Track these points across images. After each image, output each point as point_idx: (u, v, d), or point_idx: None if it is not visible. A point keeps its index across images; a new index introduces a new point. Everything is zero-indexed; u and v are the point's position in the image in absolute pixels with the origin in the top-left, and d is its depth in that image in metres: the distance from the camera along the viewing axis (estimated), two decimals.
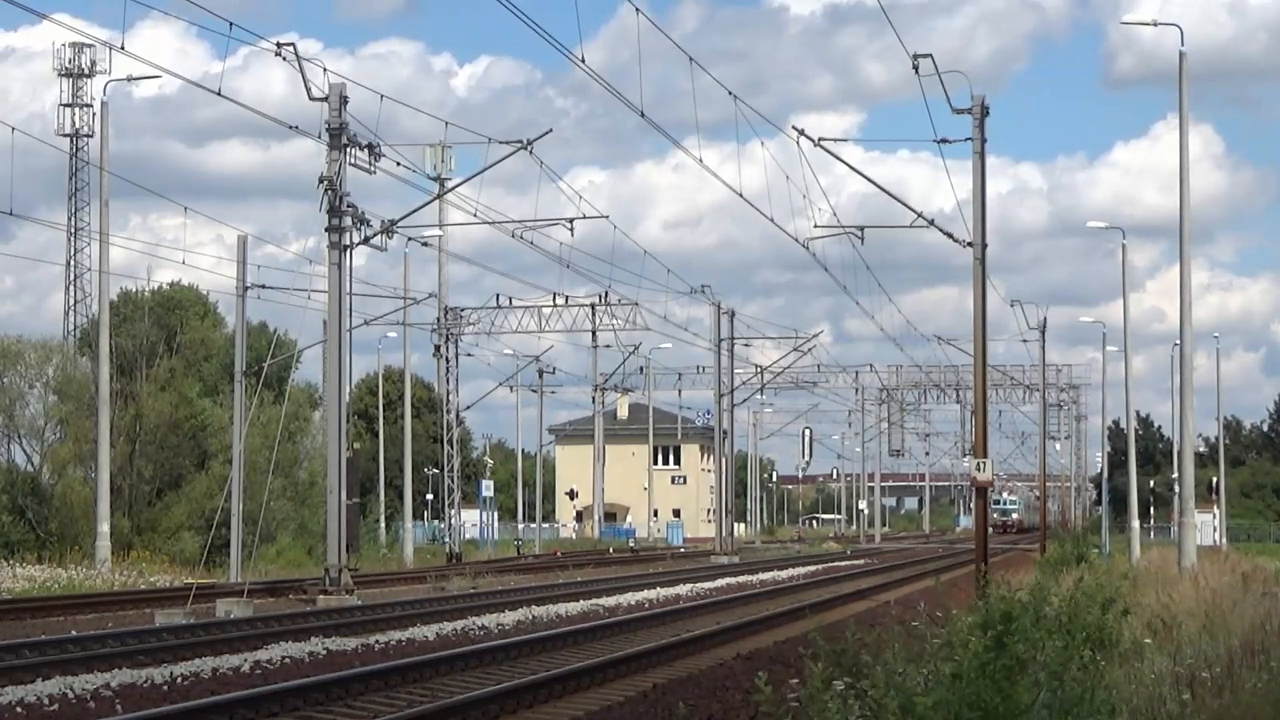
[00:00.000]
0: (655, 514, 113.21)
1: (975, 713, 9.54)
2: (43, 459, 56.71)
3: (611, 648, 24.32)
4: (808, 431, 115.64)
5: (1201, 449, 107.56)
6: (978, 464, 33.29)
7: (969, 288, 34.17)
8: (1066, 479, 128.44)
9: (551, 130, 41.06)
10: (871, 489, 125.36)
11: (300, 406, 65.23)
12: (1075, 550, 47.94)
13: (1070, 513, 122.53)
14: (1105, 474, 79.76)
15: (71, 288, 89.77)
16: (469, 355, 70.86)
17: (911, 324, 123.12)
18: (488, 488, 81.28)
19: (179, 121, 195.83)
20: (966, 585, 33.72)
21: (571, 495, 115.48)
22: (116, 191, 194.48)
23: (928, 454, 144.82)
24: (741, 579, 48.67)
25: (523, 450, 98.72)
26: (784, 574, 53.00)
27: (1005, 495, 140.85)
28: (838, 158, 35.32)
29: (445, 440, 68.96)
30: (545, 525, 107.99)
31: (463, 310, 69.06)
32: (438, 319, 67.76)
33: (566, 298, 67.77)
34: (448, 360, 68.24)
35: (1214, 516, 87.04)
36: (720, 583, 46.25)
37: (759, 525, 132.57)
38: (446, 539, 70.61)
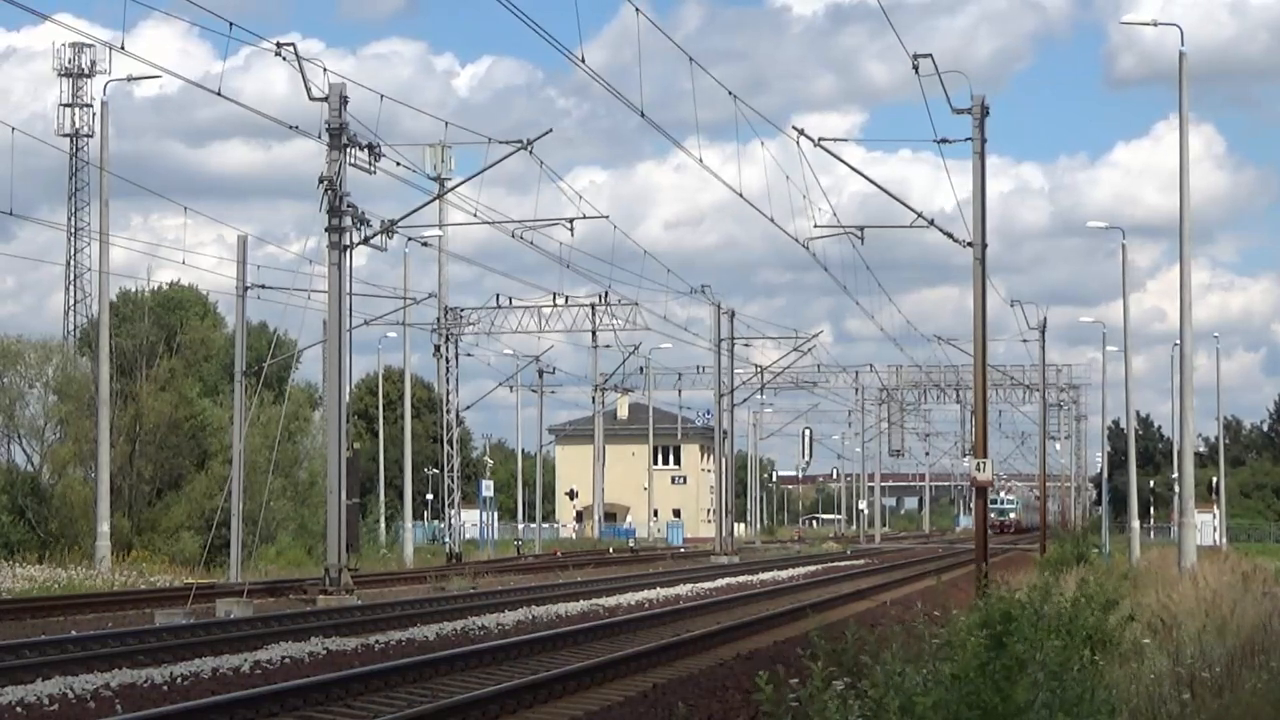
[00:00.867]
0: (655, 514, 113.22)
1: (974, 713, 9.55)
2: (43, 459, 56.72)
3: (611, 648, 24.32)
4: (808, 431, 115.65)
5: (1201, 449, 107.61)
6: (978, 464, 33.29)
7: (969, 288, 34.21)
8: (1066, 479, 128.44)
9: (551, 130, 41.08)
10: (871, 489, 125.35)
11: (300, 406, 65.25)
12: (1075, 550, 47.94)
13: (1070, 513, 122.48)
14: (1105, 474, 79.78)
15: (71, 288, 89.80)
16: (469, 355, 70.96)
17: (911, 324, 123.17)
18: (488, 488, 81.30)
19: (180, 121, 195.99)
20: (966, 585, 33.73)
21: (571, 495, 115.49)
22: (117, 191, 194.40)
23: (928, 454, 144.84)
24: (741, 579, 48.67)
25: (523, 450, 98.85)
26: (784, 574, 53.00)
27: (1002, 495, 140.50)
28: (837, 158, 35.35)
29: (445, 440, 68.96)
30: (545, 525, 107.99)
31: (463, 310, 69.08)
32: (438, 319, 67.77)
33: (566, 298, 67.84)
34: (448, 360, 68.25)
35: (1214, 516, 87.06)
36: (720, 583, 46.25)
37: (759, 525, 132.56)
38: (446, 539, 70.62)
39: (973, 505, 36.55)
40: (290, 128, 37.64)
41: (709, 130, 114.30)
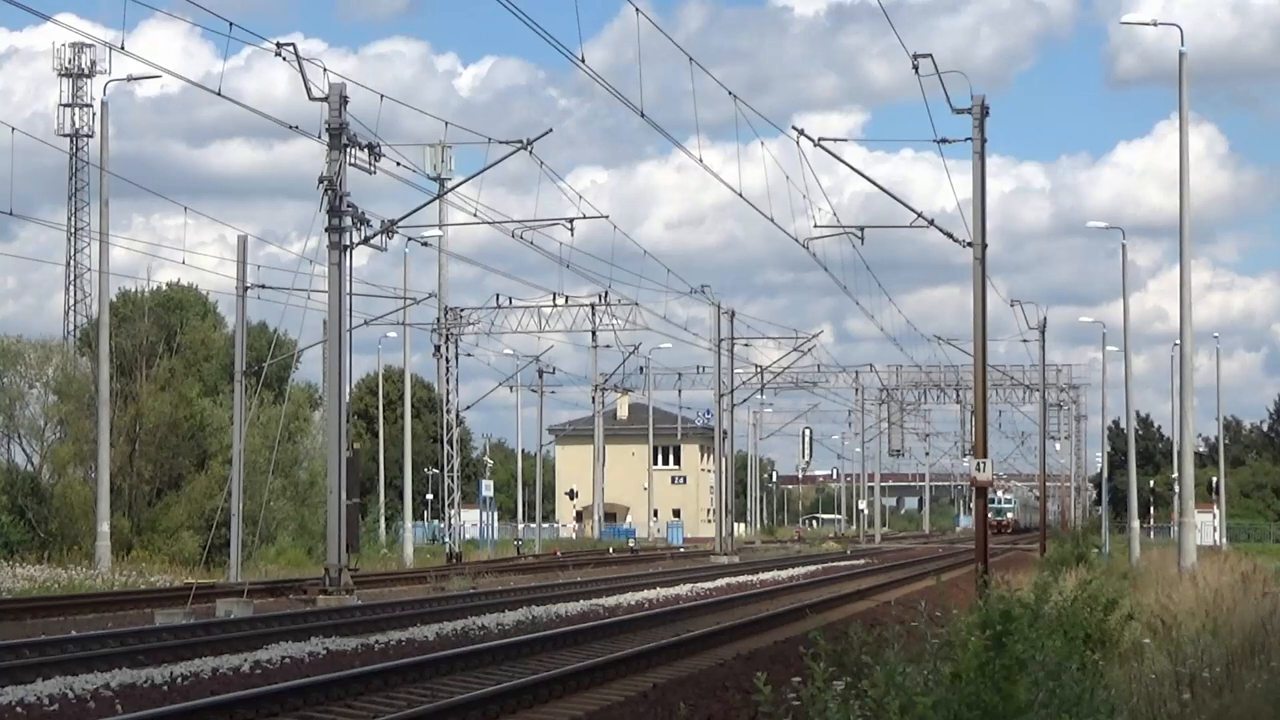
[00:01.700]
0: (655, 514, 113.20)
1: (975, 713, 9.55)
2: (43, 459, 56.69)
3: (611, 648, 24.31)
4: (808, 431, 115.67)
5: (1201, 449, 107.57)
6: (978, 464, 33.29)
7: (970, 287, 34.20)
8: (1066, 479, 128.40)
9: (551, 130, 41.12)
10: (871, 489, 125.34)
11: (300, 406, 65.23)
12: (1075, 550, 47.95)
13: (1070, 512, 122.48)
14: (1105, 474, 79.77)
15: (71, 288, 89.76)
16: (469, 355, 70.93)
17: (912, 324, 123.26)
18: (488, 488, 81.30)
19: (182, 121, 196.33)
20: (967, 585, 33.72)
21: (571, 495, 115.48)
22: (118, 192, 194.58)
23: (928, 454, 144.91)
24: (741, 579, 48.67)
25: (523, 450, 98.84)
26: (784, 574, 53.00)
27: (999, 494, 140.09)
28: (837, 158, 35.37)
29: (445, 440, 68.95)
30: (545, 525, 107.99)
31: (463, 310, 69.07)
32: (438, 319, 67.76)
33: (566, 298, 67.81)
34: (448, 360, 68.23)
35: (1214, 516, 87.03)
36: (720, 583, 46.25)
37: (759, 525, 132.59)
38: (446, 539, 70.61)
39: (973, 505, 36.55)
40: (290, 128, 37.68)
41: (710, 130, 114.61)
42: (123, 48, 32.75)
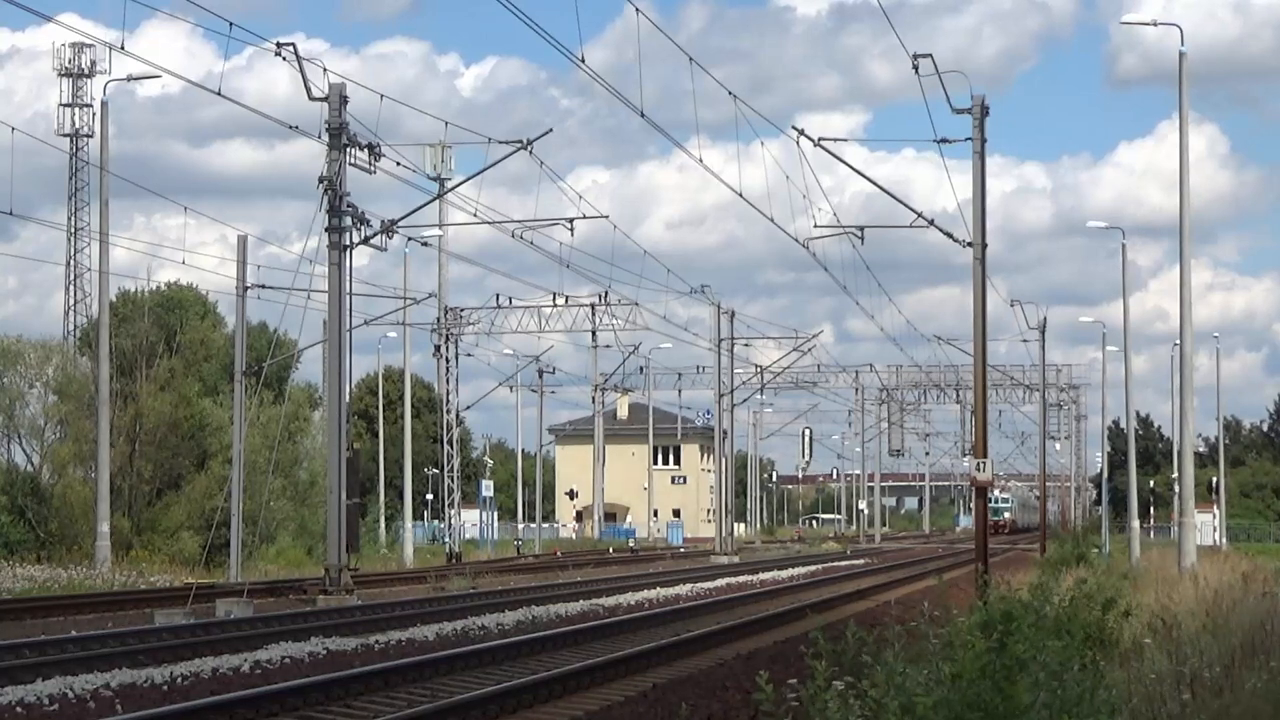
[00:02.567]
0: (655, 514, 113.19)
1: (976, 713, 9.54)
2: (43, 459, 56.66)
3: (611, 648, 24.31)
4: (808, 431, 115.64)
5: (1201, 449, 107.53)
6: (978, 464, 33.28)
7: (971, 287, 34.17)
8: (1066, 479, 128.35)
9: (551, 130, 41.11)
10: (871, 489, 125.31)
11: (300, 406, 65.21)
12: (1075, 550, 47.94)
13: (1070, 513, 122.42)
14: (1105, 474, 79.77)
15: (71, 288, 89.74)
16: (469, 355, 70.93)
17: (912, 324, 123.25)
18: (488, 488, 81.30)
19: (183, 121, 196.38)
20: (967, 585, 33.71)
21: (571, 495, 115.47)
22: (119, 191, 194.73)
23: (928, 454, 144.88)
24: (741, 579, 48.67)
25: (523, 450, 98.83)
26: (784, 574, 53.02)
27: (996, 493, 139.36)
28: (837, 157, 35.34)
29: (445, 440, 68.95)
30: (545, 525, 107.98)
31: (463, 310, 69.06)
32: (438, 319, 67.76)
33: (566, 298, 67.80)
34: (448, 360, 68.22)
35: (1214, 516, 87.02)
36: (720, 583, 46.25)
37: (759, 525, 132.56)
38: (446, 539, 70.61)
39: (972, 505, 36.53)
40: (290, 128, 37.67)
41: (711, 130, 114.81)
42: (123, 48, 32.77)
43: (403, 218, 40.14)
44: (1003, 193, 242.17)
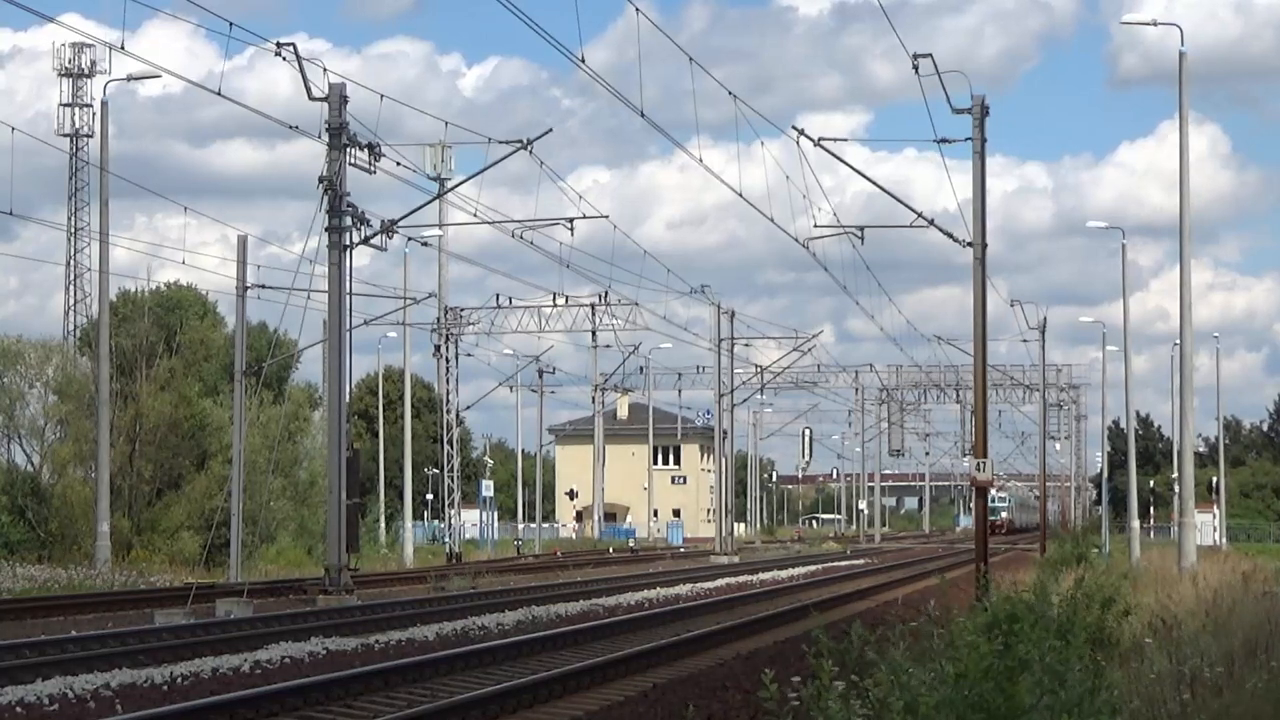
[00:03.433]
0: (655, 514, 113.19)
1: (978, 714, 9.54)
2: (43, 459, 56.64)
3: (611, 648, 24.31)
4: (808, 431, 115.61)
5: (1201, 449, 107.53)
6: (978, 464, 33.26)
7: (971, 287, 34.16)
8: (1066, 479, 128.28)
9: (551, 130, 41.07)
10: (871, 489, 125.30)
11: (300, 406, 65.20)
12: (1075, 550, 47.92)
13: (1070, 512, 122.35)
14: (1105, 474, 79.75)
15: (71, 288, 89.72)
16: (469, 355, 70.92)
17: (912, 324, 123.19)
18: (488, 488, 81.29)
19: (184, 121, 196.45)
20: (967, 585, 33.71)
21: (571, 495, 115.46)
22: (120, 192, 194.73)
23: (928, 454, 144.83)
24: (741, 579, 48.66)
25: (523, 450, 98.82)
26: (784, 574, 53.01)
27: (993, 493, 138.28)
28: (837, 157, 35.32)
29: (445, 440, 68.94)
30: (545, 525, 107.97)
31: (463, 310, 69.06)
32: (438, 319, 67.76)
33: (567, 298, 67.79)
34: (448, 360, 68.21)
35: (1214, 516, 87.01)
36: (720, 583, 46.25)
37: (759, 525, 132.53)
38: (446, 539, 70.60)
39: (973, 505, 36.52)
40: (291, 128, 37.66)
41: (713, 130, 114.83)
42: (122, 47, 32.74)
43: (403, 218, 40.16)
44: (1004, 192, 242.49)
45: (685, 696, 18.29)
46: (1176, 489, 47.48)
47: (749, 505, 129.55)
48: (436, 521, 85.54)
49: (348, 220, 37.31)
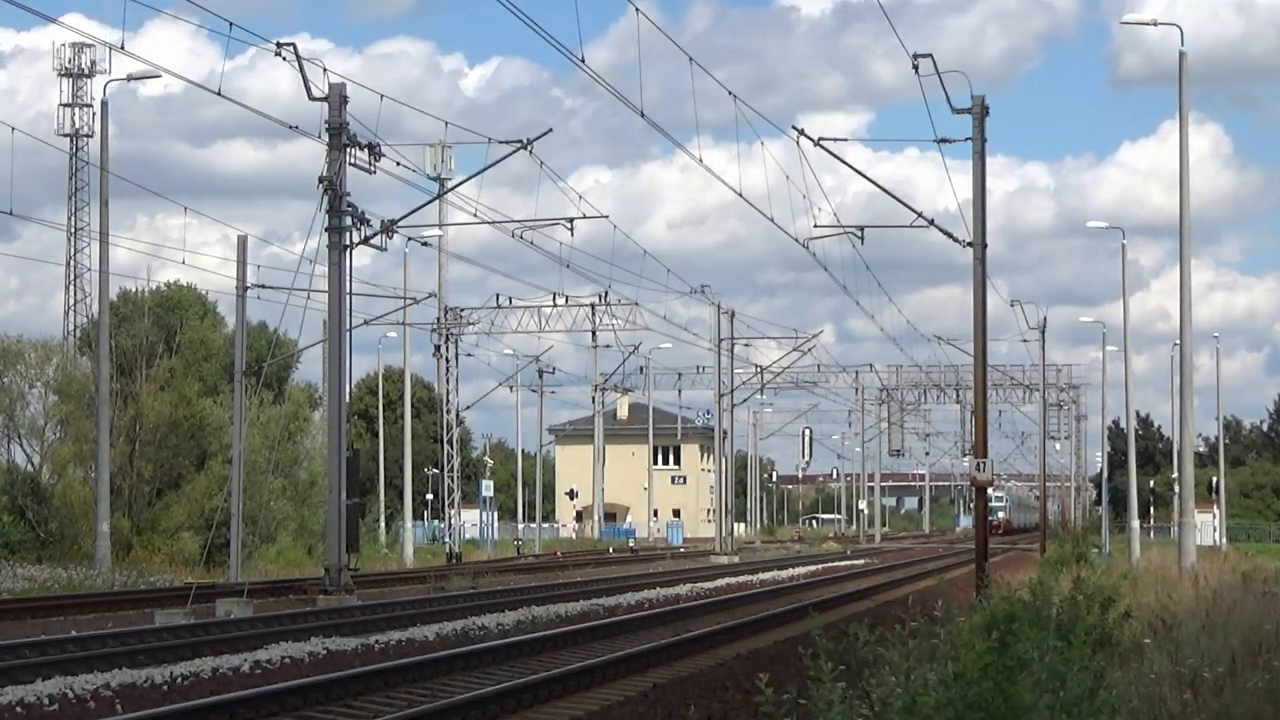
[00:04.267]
0: (655, 514, 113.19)
1: (977, 714, 9.53)
2: (43, 459, 56.64)
3: (611, 648, 24.32)
4: (808, 431, 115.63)
5: (1201, 449, 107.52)
6: (978, 464, 33.26)
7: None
8: (1066, 479, 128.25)
9: (551, 130, 41.05)
10: (871, 489, 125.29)
11: (300, 406, 65.21)
12: (1075, 550, 47.89)
13: (1070, 512, 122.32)
14: (1105, 474, 79.77)
15: (71, 288, 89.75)
16: (469, 355, 70.91)
17: (912, 324, 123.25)
18: (488, 488, 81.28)
19: (185, 121, 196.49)
20: (967, 585, 33.71)
21: (571, 495, 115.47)
22: (120, 192, 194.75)
23: (928, 454, 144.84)
24: (741, 579, 48.66)
25: (523, 450, 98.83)
26: (784, 574, 53.01)
27: (990, 492, 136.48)
28: (837, 157, 35.29)
29: (445, 440, 68.94)
30: (545, 525, 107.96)
31: (463, 310, 69.05)
32: (438, 319, 67.76)
33: (567, 298, 67.79)
34: (448, 360, 68.21)
35: (1214, 516, 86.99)
36: (720, 583, 46.24)
37: (759, 525, 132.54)
38: (446, 539, 70.59)
39: (973, 505, 36.51)
40: (291, 128, 37.65)
41: (714, 130, 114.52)
42: (122, 47, 32.75)
43: (402, 218, 40.15)
44: (1005, 192, 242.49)
45: (685, 697, 18.30)
46: (1176, 489, 47.47)
47: (749, 505, 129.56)
48: (436, 521, 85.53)
49: (348, 220, 37.31)
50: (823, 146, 34.40)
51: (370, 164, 37.47)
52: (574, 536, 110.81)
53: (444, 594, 39.58)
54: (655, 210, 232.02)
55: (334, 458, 37.31)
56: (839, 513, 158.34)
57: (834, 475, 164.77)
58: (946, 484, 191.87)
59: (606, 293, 66.06)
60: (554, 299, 67.51)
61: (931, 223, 35.14)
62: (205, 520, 51.54)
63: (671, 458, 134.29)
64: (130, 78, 50.00)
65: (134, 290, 68.36)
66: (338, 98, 36.78)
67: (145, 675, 19.74)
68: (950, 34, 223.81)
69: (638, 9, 28.62)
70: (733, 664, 22.29)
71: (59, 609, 32.46)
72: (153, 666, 20.81)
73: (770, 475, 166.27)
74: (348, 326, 38.00)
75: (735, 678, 20.12)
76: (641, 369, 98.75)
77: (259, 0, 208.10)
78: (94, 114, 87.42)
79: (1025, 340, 77.55)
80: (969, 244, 33.36)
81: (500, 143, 39.83)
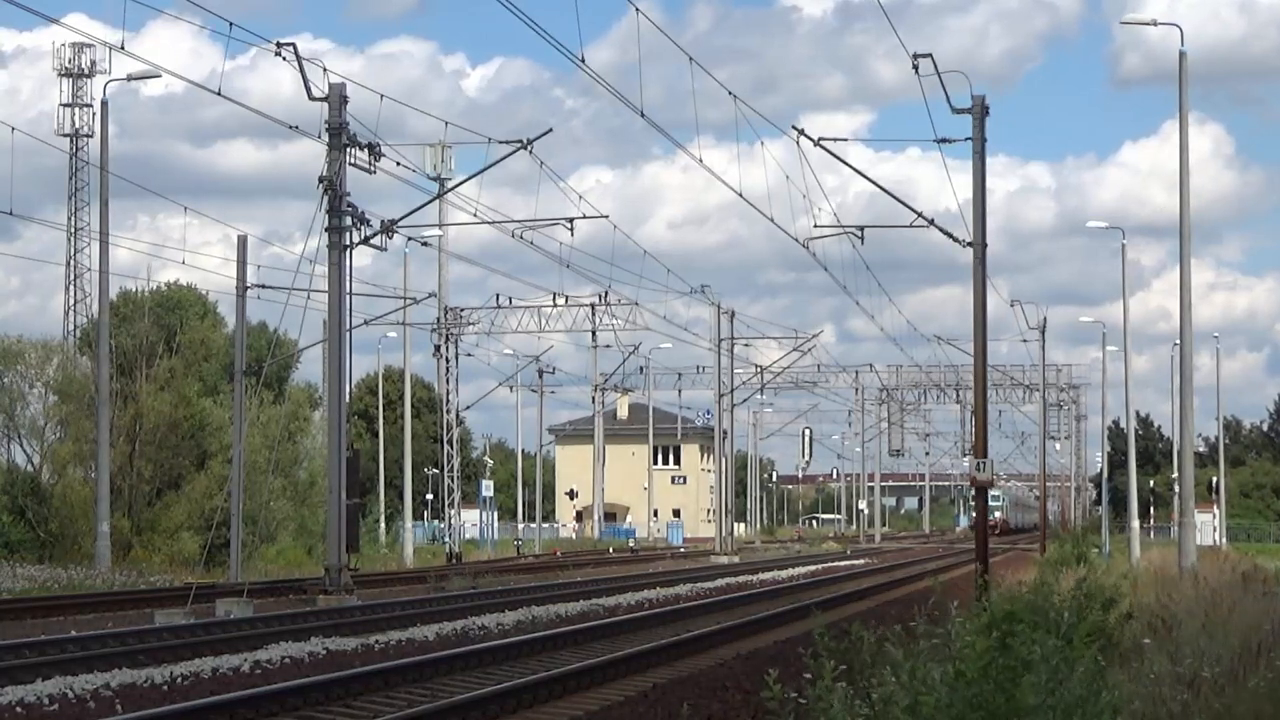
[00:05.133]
0: (655, 514, 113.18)
1: (978, 713, 9.54)
2: (43, 459, 56.63)
3: (611, 648, 24.31)
4: (808, 431, 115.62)
5: (1201, 449, 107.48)
6: (978, 464, 33.25)
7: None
8: (1066, 479, 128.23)
9: (551, 130, 41.04)
10: (871, 489, 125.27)
11: (300, 406, 65.22)
12: (1075, 550, 47.90)
13: (1070, 512, 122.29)
14: (1105, 474, 79.78)
15: (72, 288, 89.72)
16: (469, 355, 70.91)
17: (912, 324, 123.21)
18: (488, 488, 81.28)
19: (186, 121, 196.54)
20: (967, 586, 33.71)
21: (571, 495, 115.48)
22: (121, 192, 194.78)
23: (928, 454, 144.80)
24: (741, 579, 48.65)
25: (523, 450, 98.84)
26: (784, 574, 53.00)
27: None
28: (837, 157, 35.28)
29: (445, 440, 68.93)
30: (545, 525, 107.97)
31: (463, 310, 69.06)
32: (438, 319, 67.76)
33: (567, 298, 67.80)
34: (448, 360, 68.20)
35: (1214, 516, 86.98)
36: (720, 583, 46.24)
37: (759, 525, 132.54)
38: (446, 539, 70.60)
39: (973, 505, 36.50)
40: (291, 128, 37.65)
41: (716, 130, 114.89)
42: (122, 47, 32.75)
43: (402, 218, 40.15)
44: (1007, 192, 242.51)
45: (685, 697, 18.29)
46: (1176, 489, 47.46)
47: (749, 505, 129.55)
48: (436, 521, 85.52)
49: (348, 220, 37.31)
50: (823, 146, 34.41)
51: (370, 164, 37.47)
52: (574, 536, 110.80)
53: (444, 594, 39.57)
54: (656, 210, 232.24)
55: (334, 458, 37.30)
56: (839, 513, 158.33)
57: (834, 475, 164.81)
58: (946, 484, 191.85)
59: (606, 293, 66.13)
60: (554, 299, 67.53)
61: (931, 223, 35.14)
62: (205, 520, 51.54)
63: (671, 458, 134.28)
64: (130, 78, 50.02)
65: (134, 290, 68.40)
66: (337, 98, 36.78)
67: (145, 675, 19.73)
68: (953, 34, 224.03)
69: (638, 9, 28.65)
70: (733, 664, 22.28)
71: (59, 609, 32.45)
72: (153, 666, 20.80)
73: (770, 475, 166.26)
74: (348, 326, 38.00)
75: (735, 678, 20.11)
76: (641, 369, 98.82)
77: (261, 0, 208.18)
78: (94, 114, 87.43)
79: (1025, 340, 77.61)
80: (969, 244, 33.35)
81: (500, 143, 39.87)
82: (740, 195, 35.63)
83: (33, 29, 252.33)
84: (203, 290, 77.19)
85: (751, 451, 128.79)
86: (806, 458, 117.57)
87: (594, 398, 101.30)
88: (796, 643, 23.73)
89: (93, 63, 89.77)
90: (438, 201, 57.48)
